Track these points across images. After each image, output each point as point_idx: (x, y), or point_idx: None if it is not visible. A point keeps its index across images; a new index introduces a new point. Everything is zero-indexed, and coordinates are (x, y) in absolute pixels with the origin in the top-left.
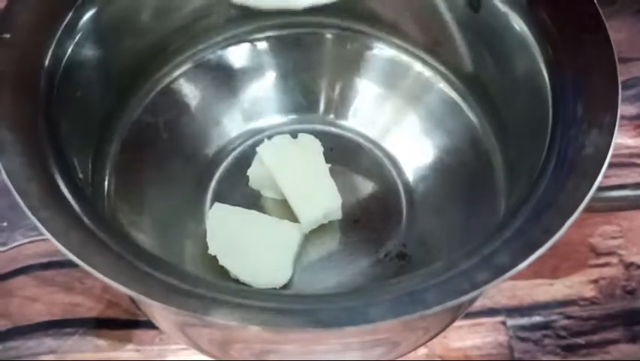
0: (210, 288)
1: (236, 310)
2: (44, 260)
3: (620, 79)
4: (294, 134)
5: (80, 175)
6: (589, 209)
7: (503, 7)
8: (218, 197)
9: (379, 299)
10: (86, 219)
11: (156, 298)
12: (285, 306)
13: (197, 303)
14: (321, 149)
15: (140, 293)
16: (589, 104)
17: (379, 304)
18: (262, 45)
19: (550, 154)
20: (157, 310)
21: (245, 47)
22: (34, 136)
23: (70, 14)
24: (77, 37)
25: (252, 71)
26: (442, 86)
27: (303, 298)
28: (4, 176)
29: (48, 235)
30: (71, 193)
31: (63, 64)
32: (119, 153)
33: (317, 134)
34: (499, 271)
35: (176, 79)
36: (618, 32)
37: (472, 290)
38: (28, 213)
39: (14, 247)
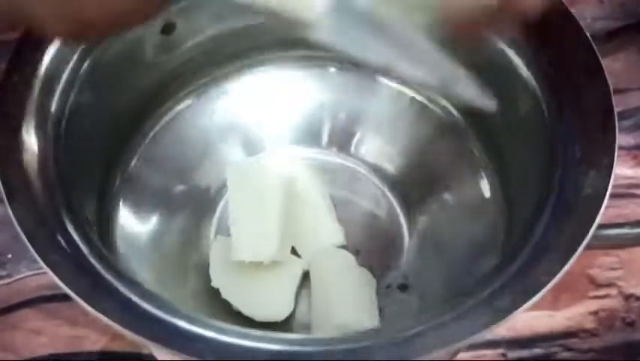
0: (219, 331)
1: (245, 353)
2: (49, 293)
3: (617, 109)
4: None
5: (88, 216)
6: (587, 247)
7: (504, 47)
8: (221, 229)
9: (384, 342)
10: (95, 263)
11: (167, 345)
12: (294, 350)
13: (206, 348)
14: (319, 179)
15: (151, 340)
16: (587, 146)
17: (385, 348)
18: (264, 78)
19: (549, 194)
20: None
21: (246, 80)
22: (44, 180)
23: (74, 59)
24: (81, 81)
25: (254, 104)
26: (445, 120)
27: (310, 342)
28: (14, 222)
29: (57, 281)
30: (80, 236)
31: (68, 108)
32: (123, 189)
33: (320, 164)
34: (499, 315)
35: (178, 113)
36: (615, 63)
37: (473, 334)
38: (38, 258)
39: (19, 279)
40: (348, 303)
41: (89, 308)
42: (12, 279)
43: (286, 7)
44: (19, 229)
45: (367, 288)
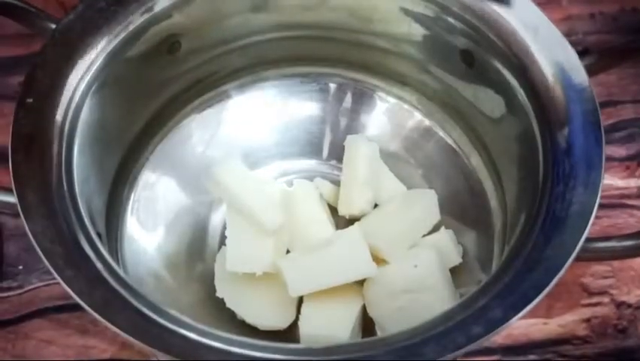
0: (226, 342)
1: None
2: (59, 303)
3: (610, 121)
4: (290, 181)
5: (99, 231)
6: (576, 259)
7: (496, 65)
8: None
9: (382, 351)
10: (108, 277)
11: (176, 355)
12: (295, 358)
13: (214, 358)
14: (318, 192)
15: (161, 350)
16: (575, 162)
17: (383, 357)
18: (266, 93)
19: (540, 209)
20: None
21: (250, 94)
22: (57, 197)
23: (85, 78)
24: (92, 100)
25: (256, 118)
26: (442, 134)
27: (312, 351)
28: (31, 238)
29: (73, 295)
30: (93, 251)
31: (79, 127)
32: (131, 201)
33: (320, 176)
34: (492, 325)
35: (184, 127)
36: (609, 76)
37: (467, 344)
38: (54, 273)
39: (30, 290)
40: (322, 315)
41: (103, 321)
42: (23, 290)
43: None
44: (36, 246)
45: (351, 303)
